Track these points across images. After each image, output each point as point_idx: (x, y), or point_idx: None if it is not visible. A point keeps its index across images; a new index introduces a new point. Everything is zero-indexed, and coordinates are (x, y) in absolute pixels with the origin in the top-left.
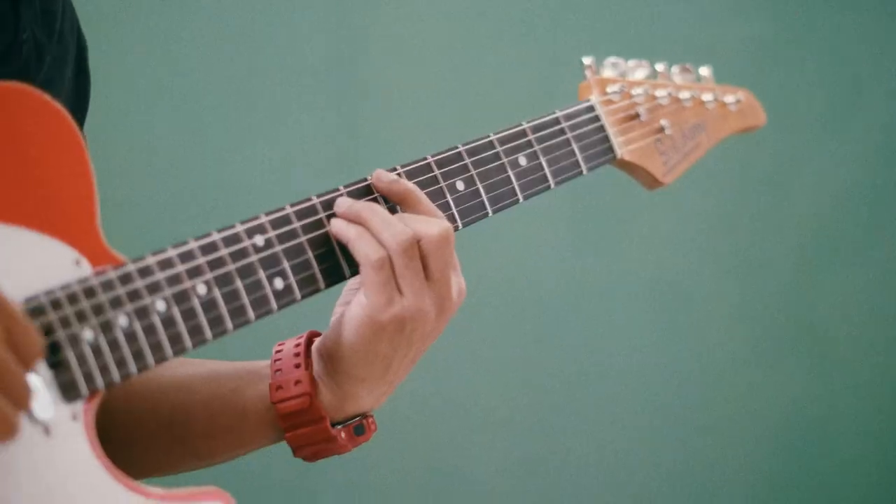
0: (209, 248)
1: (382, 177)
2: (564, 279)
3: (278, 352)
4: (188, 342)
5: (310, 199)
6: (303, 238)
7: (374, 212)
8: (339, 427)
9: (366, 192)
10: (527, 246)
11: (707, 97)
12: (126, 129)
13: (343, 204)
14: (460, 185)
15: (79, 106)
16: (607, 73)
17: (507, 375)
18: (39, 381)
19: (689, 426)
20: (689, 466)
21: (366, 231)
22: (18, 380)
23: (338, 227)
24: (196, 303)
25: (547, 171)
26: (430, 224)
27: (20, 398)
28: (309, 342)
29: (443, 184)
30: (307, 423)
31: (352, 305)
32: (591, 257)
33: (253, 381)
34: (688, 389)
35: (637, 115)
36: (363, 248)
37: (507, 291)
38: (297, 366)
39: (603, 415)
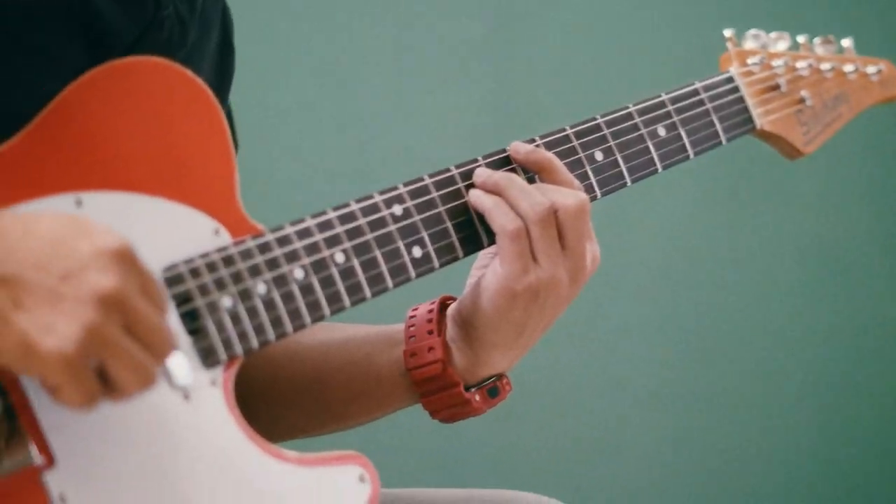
0: (347, 218)
1: (520, 147)
2: (713, 249)
3: (412, 317)
4: (326, 310)
5: (448, 170)
6: (441, 208)
7: (511, 182)
8: (474, 390)
9: (504, 163)
10: (673, 214)
11: (848, 68)
12: (267, 101)
13: (481, 174)
14: (599, 156)
15: (222, 81)
16: (748, 44)
17: (657, 347)
18: (180, 347)
19: (845, 397)
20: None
21: (503, 201)
22: (159, 335)
23: (475, 197)
24: (334, 271)
25: (686, 141)
26: (568, 194)
27: (160, 353)
28: (442, 307)
29: (581, 154)
30: (442, 389)
31: (487, 274)
32: (745, 228)
33: (387, 346)
34: (851, 363)
35: (777, 87)
36: (500, 219)
37: (651, 261)
38: (431, 332)
39: (756, 387)
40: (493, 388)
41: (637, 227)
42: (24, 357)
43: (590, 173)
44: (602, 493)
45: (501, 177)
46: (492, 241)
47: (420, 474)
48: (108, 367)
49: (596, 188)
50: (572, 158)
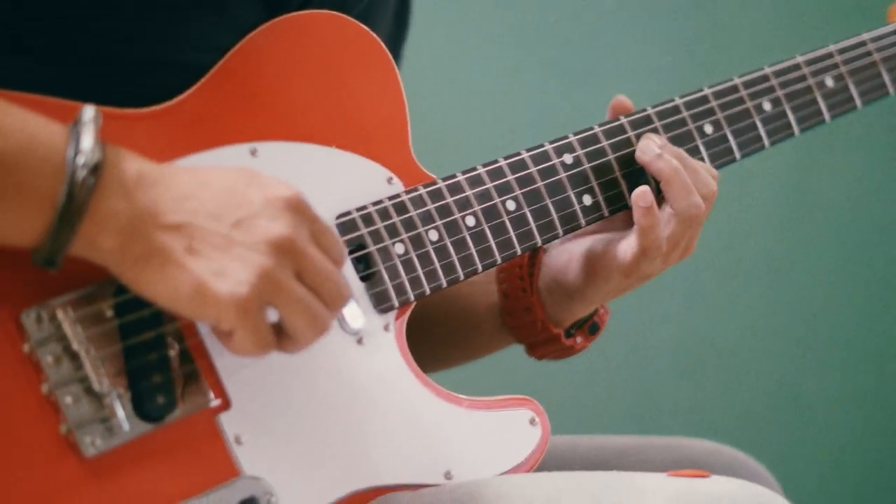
0: (518, 166)
1: (647, 151)
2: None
3: (501, 271)
4: (497, 256)
5: (618, 120)
6: (611, 156)
7: (683, 166)
8: (574, 332)
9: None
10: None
11: None
12: (447, 54)
13: (655, 143)
14: (767, 106)
15: (398, 34)
16: None
17: (846, 305)
18: (353, 293)
19: None
20: None
21: (688, 182)
22: (331, 283)
23: (661, 163)
24: (505, 218)
25: (854, 91)
26: (710, 182)
27: (332, 300)
28: (531, 258)
29: (749, 104)
30: (543, 343)
31: (608, 247)
32: None
33: (484, 293)
34: None
35: None
36: (682, 201)
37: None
38: (524, 290)
39: None
40: (592, 325)
41: (812, 188)
42: (198, 301)
43: (758, 124)
44: (781, 448)
45: (679, 153)
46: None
47: (587, 421)
48: (281, 314)
49: (765, 138)
50: (740, 108)
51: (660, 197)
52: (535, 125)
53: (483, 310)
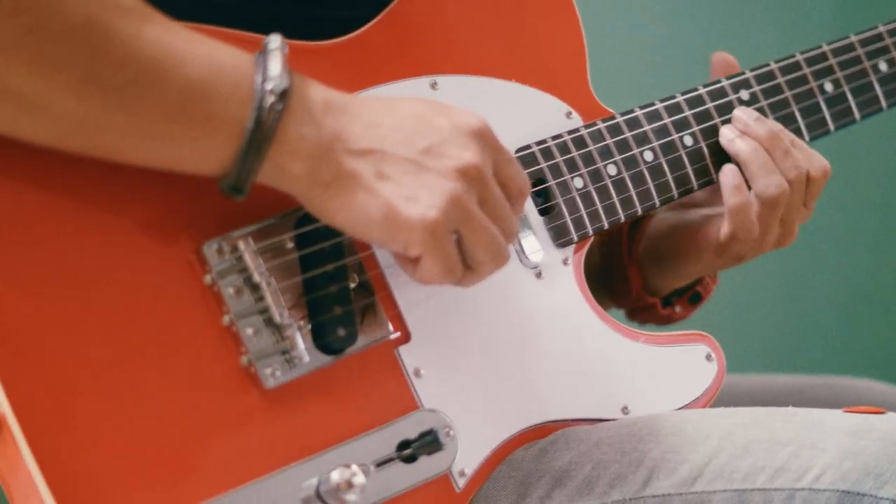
0: (695, 102)
1: (726, 133)
2: None
3: (602, 237)
4: (674, 191)
5: (820, 47)
6: (787, 93)
7: (777, 141)
8: (674, 300)
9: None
10: None
11: None
12: None
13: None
14: (883, 67)
15: None
16: None
17: None
18: (532, 227)
19: None
20: None
21: (768, 159)
22: (511, 214)
23: (738, 144)
24: (682, 153)
25: None
26: (817, 161)
27: (511, 231)
28: (633, 225)
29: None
30: (641, 309)
31: (706, 223)
32: None
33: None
34: None
35: None
36: (764, 179)
37: None
38: (622, 258)
39: None
40: (693, 295)
41: None
42: (388, 225)
43: (875, 84)
44: None
45: (768, 134)
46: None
47: (756, 360)
48: (466, 241)
49: (882, 99)
50: (858, 67)
51: None
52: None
53: (587, 272)
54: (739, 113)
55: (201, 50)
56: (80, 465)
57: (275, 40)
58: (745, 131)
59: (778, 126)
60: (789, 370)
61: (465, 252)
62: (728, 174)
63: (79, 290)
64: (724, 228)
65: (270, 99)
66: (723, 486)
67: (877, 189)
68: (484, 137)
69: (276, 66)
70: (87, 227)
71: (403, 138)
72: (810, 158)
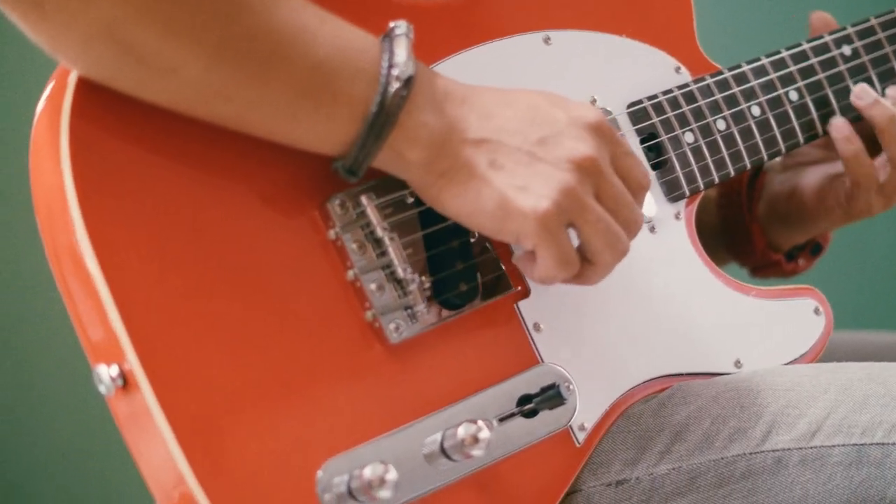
0: (799, 57)
1: (864, 96)
2: None
3: (722, 196)
4: (781, 145)
5: (892, 11)
6: (888, 49)
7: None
8: (797, 254)
9: None
10: None
11: None
12: None
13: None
14: None
15: None
16: None
17: None
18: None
19: None
20: None
21: None
22: (630, 206)
23: (875, 110)
24: (788, 108)
25: None
26: None
27: (631, 224)
28: (751, 183)
29: None
30: (763, 266)
31: (830, 182)
32: None
33: (706, 214)
34: None
35: None
36: (892, 141)
37: None
38: (744, 217)
39: None
40: (815, 247)
41: None
42: (501, 215)
43: None
44: None
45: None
46: None
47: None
48: (581, 233)
49: None
50: None
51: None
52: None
53: (704, 232)
54: (861, 92)
55: (332, 30)
56: (207, 421)
57: (401, 25)
58: (877, 98)
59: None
60: (877, 327)
61: (582, 243)
62: (839, 128)
63: (206, 249)
64: (847, 181)
65: (396, 85)
66: (841, 441)
67: None
68: (601, 131)
69: (402, 52)
70: (213, 188)
71: (519, 129)
72: None
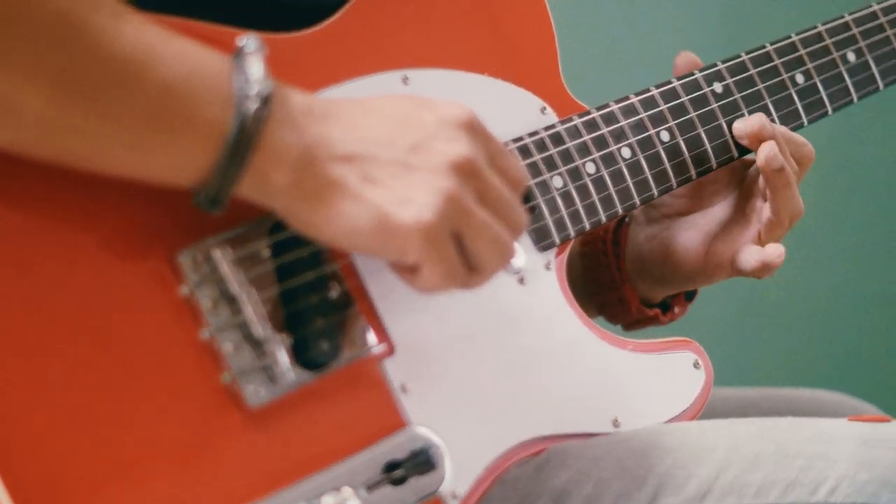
0: (670, 95)
1: (772, 161)
2: None
3: (585, 257)
4: (654, 189)
5: (764, 47)
6: (760, 86)
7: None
8: (671, 302)
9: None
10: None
11: None
12: None
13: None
14: (851, 57)
15: None
16: None
17: None
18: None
19: None
20: None
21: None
22: (513, 206)
23: (780, 179)
24: (660, 149)
25: None
26: (806, 147)
27: (515, 225)
28: (615, 239)
29: (835, 55)
30: (640, 322)
31: (719, 243)
32: None
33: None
34: None
35: None
36: (785, 202)
37: None
38: (613, 280)
39: None
40: (688, 292)
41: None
42: (382, 233)
43: (845, 75)
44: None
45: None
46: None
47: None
48: (467, 240)
49: (853, 91)
50: (827, 58)
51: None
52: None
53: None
54: (756, 121)
55: (179, 50)
56: (52, 495)
57: (252, 41)
58: (776, 157)
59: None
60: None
61: (467, 252)
62: (774, 159)
63: (45, 307)
64: (767, 212)
65: (253, 104)
66: (734, 502)
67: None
68: (473, 128)
69: (257, 69)
70: (53, 239)
71: (387, 138)
72: (799, 149)
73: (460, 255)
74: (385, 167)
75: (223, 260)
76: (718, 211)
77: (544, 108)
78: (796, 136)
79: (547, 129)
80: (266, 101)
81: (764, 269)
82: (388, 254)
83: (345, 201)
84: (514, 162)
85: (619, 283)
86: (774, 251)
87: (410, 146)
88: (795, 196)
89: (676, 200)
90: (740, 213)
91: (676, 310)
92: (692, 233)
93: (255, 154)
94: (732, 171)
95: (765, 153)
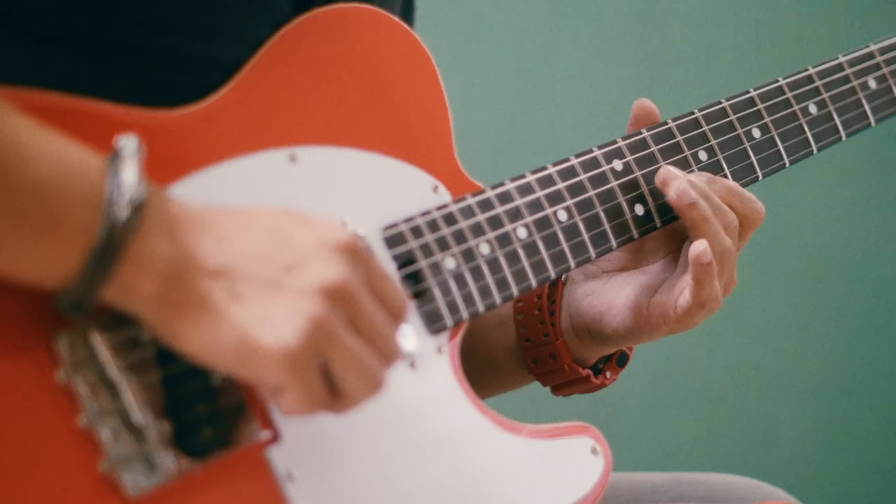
0: (568, 173)
1: (683, 196)
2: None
3: (519, 313)
4: (551, 270)
5: (666, 123)
6: (662, 163)
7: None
8: (603, 367)
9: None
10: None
11: None
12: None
13: (689, 186)
14: (756, 133)
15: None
16: None
17: (810, 339)
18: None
19: None
20: None
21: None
22: (388, 336)
23: (695, 213)
24: (557, 229)
25: (867, 107)
26: (755, 204)
27: (389, 355)
28: (550, 297)
29: (740, 131)
30: (572, 384)
31: (657, 300)
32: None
33: (499, 336)
34: None
35: None
36: (710, 240)
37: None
38: (547, 335)
39: None
40: (621, 357)
41: (787, 210)
42: (242, 354)
43: (749, 151)
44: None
45: (704, 192)
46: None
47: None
48: (333, 368)
49: (812, 142)
50: (731, 134)
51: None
52: (573, 129)
53: (500, 352)
54: (677, 172)
55: (50, 148)
56: None
57: (130, 144)
58: (696, 199)
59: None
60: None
61: (333, 379)
62: (704, 254)
63: None
64: (688, 301)
65: (124, 212)
66: None
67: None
68: (352, 252)
69: (130, 174)
70: None
71: (260, 254)
72: (745, 204)
73: (325, 381)
74: (255, 285)
75: (102, 344)
76: (659, 267)
77: (437, 187)
78: (745, 192)
79: (439, 208)
80: (137, 209)
81: (697, 303)
82: (248, 374)
83: (208, 316)
84: (395, 289)
85: (553, 339)
86: (698, 247)
87: (284, 265)
88: (719, 235)
89: (617, 257)
90: (681, 267)
91: (608, 374)
92: (632, 287)
93: (122, 263)
94: (673, 229)
95: (674, 188)
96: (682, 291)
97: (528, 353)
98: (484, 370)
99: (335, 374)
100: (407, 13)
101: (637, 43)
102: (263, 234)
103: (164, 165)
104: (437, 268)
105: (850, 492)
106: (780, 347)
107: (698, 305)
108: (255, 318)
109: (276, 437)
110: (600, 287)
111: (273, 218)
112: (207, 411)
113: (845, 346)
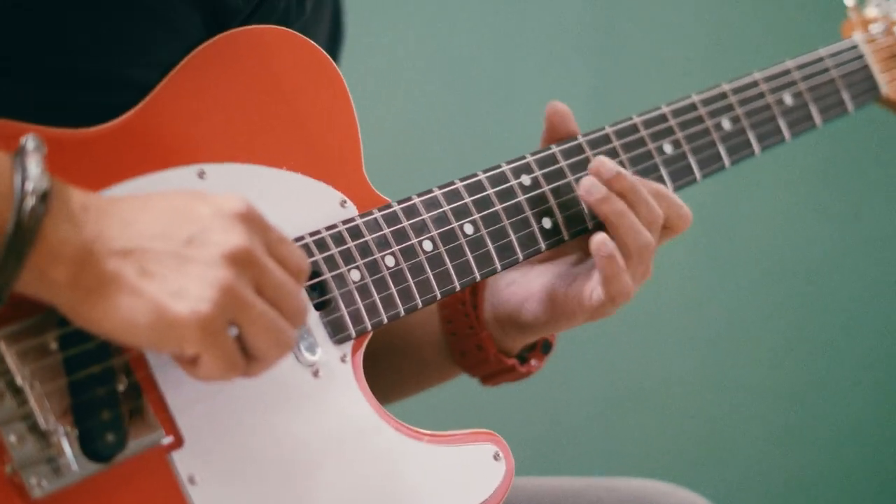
0: (475, 188)
1: (592, 192)
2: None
3: (443, 307)
4: (456, 282)
5: (576, 138)
6: (570, 178)
7: (638, 195)
8: (528, 355)
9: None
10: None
11: None
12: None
13: (607, 170)
14: (726, 125)
15: (333, 48)
16: (870, 12)
17: (768, 347)
18: (308, 323)
19: None
20: None
21: (632, 214)
22: (293, 294)
23: (606, 207)
24: (463, 242)
25: (812, 108)
26: (682, 209)
27: (296, 314)
28: (473, 291)
29: (709, 123)
30: (499, 373)
31: (573, 289)
32: (855, 221)
33: (426, 331)
34: None
35: None
36: (631, 239)
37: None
38: (472, 328)
39: (860, 385)
40: (545, 345)
41: (743, 221)
42: (159, 327)
43: (717, 142)
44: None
45: (631, 186)
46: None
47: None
48: (245, 331)
49: (725, 157)
50: (700, 127)
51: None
52: (491, 143)
53: (427, 347)
54: (600, 167)
55: None
56: None
57: (32, 140)
58: (606, 194)
59: (637, 179)
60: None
61: (245, 342)
62: (602, 245)
63: None
64: (600, 294)
65: (31, 201)
66: None
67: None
68: (249, 218)
69: (35, 166)
70: None
71: (163, 231)
72: (672, 209)
73: (239, 344)
74: (161, 260)
75: (8, 352)
76: (576, 258)
77: (344, 202)
78: (674, 195)
79: (345, 222)
80: (43, 197)
81: (608, 294)
82: (166, 346)
83: (122, 295)
84: (294, 250)
85: (479, 330)
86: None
87: (186, 239)
88: (635, 228)
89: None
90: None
91: (533, 362)
92: (550, 277)
93: (33, 250)
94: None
95: (582, 185)
96: (596, 282)
97: (456, 346)
98: (412, 366)
99: (247, 336)
100: (334, 38)
101: (594, 46)
102: (164, 213)
103: (76, 183)
104: (341, 279)
105: (799, 499)
106: (732, 354)
107: (608, 297)
108: (168, 292)
109: (179, 442)
110: (520, 277)
111: (171, 197)
112: (111, 416)
113: (795, 354)
